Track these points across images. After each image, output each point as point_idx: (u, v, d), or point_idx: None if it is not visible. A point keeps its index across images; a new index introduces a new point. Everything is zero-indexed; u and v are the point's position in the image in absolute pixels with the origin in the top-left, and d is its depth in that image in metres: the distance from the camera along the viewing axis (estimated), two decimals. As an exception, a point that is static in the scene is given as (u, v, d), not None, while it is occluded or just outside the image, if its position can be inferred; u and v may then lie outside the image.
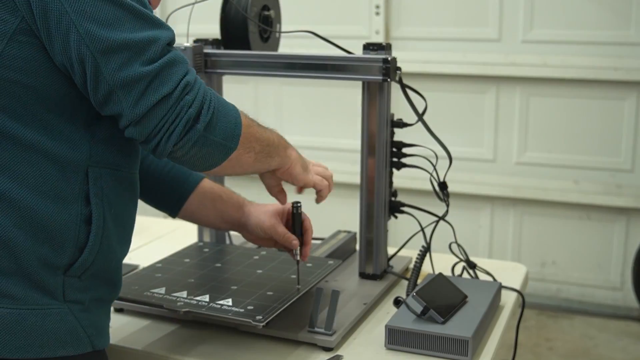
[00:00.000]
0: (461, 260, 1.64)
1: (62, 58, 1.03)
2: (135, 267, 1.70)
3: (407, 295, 1.50)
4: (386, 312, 1.51)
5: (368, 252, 1.63)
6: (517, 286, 1.64)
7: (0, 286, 1.02)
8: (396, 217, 1.66)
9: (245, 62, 1.64)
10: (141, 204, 1.35)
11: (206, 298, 1.40)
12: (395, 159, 1.62)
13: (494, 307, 1.50)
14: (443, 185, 1.61)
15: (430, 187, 1.63)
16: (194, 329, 1.43)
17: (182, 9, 1.64)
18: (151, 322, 1.46)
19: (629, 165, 3.52)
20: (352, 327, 1.43)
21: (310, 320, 1.36)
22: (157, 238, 1.97)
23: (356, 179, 1.65)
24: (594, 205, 3.59)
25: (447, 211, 1.60)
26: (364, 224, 1.62)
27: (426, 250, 1.59)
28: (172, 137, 1.07)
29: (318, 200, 1.49)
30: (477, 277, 1.63)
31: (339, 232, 1.87)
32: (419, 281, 1.56)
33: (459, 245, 1.63)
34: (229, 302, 1.38)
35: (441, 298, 1.39)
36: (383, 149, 1.57)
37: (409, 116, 1.58)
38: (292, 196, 1.50)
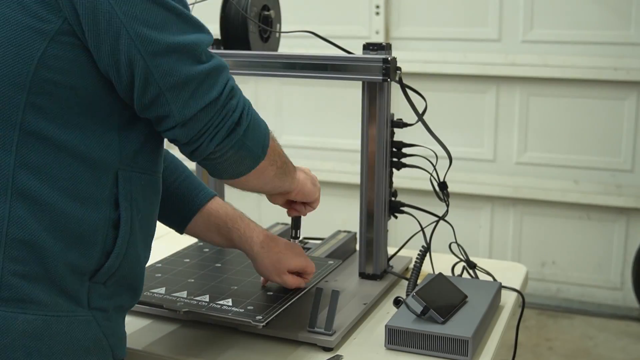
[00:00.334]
0: (461, 260, 1.64)
1: (109, 60, 1.03)
2: (135, 267, 1.70)
3: (407, 295, 1.50)
4: (386, 312, 1.51)
5: (368, 252, 1.63)
6: (517, 286, 1.64)
7: (27, 292, 1.00)
8: (396, 217, 1.66)
9: (245, 62, 1.63)
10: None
11: (206, 298, 1.40)
12: (395, 159, 1.62)
13: (494, 307, 1.50)
14: (443, 185, 1.61)
15: (430, 187, 1.63)
16: (194, 329, 1.43)
17: (182, 9, 1.64)
18: (151, 322, 1.46)
19: (629, 165, 3.52)
20: (352, 327, 1.43)
21: (310, 320, 1.36)
22: (157, 238, 1.95)
23: (356, 179, 1.65)
24: (594, 205, 3.59)
25: (447, 211, 1.60)
26: (364, 224, 1.62)
27: (426, 250, 1.59)
28: (216, 138, 1.10)
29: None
30: (477, 277, 1.63)
31: (339, 232, 1.87)
32: (419, 281, 1.55)
33: (459, 245, 1.63)
34: (229, 302, 1.38)
35: (441, 298, 1.39)
36: (383, 149, 1.57)
37: (409, 116, 1.58)
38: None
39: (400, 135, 1.59)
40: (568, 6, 3.47)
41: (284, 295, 1.40)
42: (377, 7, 3.76)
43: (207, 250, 1.69)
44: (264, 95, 4.06)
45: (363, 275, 1.64)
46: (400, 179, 1.89)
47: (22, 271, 1.00)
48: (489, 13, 3.61)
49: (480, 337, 1.38)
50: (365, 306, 1.49)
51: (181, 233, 1.48)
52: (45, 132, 1.01)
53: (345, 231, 1.87)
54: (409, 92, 1.55)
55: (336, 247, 1.75)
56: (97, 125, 1.06)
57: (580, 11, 3.46)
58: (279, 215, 1.74)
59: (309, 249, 1.77)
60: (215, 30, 1.65)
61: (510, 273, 1.71)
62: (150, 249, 1.21)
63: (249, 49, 1.66)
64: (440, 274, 1.51)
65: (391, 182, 1.63)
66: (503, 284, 1.57)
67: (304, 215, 1.52)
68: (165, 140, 1.17)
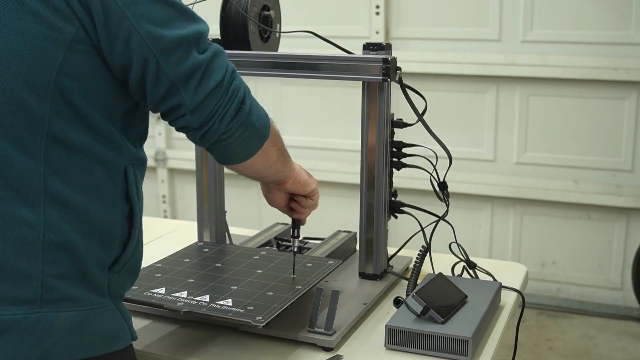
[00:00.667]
0: (461, 260, 1.64)
1: (121, 61, 1.07)
2: (135, 267, 1.70)
3: (407, 295, 1.50)
4: (386, 312, 1.51)
5: (368, 252, 1.63)
6: (517, 286, 1.64)
7: (65, 291, 1.05)
8: (396, 217, 1.66)
9: (245, 62, 1.63)
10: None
11: (206, 298, 1.40)
12: (395, 159, 1.62)
13: (494, 307, 1.50)
14: (443, 185, 1.61)
15: (430, 187, 1.63)
16: (194, 329, 1.43)
17: (182, 9, 1.64)
18: (151, 322, 1.46)
19: (629, 165, 3.52)
20: (352, 327, 1.43)
21: (310, 320, 1.36)
22: (157, 238, 1.97)
23: (356, 179, 1.65)
24: (594, 205, 3.59)
25: (447, 211, 1.60)
26: (364, 224, 1.62)
27: (426, 250, 1.59)
28: (225, 118, 1.15)
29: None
30: (477, 277, 1.63)
31: (339, 232, 1.87)
32: (419, 281, 1.55)
33: (459, 245, 1.63)
34: (229, 302, 1.38)
35: (441, 298, 1.39)
36: (383, 149, 1.57)
37: (409, 116, 1.58)
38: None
39: (400, 135, 1.59)
40: (568, 6, 3.47)
41: (284, 295, 1.40)
42: (377, 7, 3.76)
43: (207, 250, 1.69)
44: (264, 95, 4.06)
45: (363, 275, 1.64)
46: (400, 179, 1.89)
47: (59, 272, 1.05)
48: (489, 13, 3.61)
49: (480, 337, 1.38)
50: (365, 306, 1.49)
51: None
52: (69, 138, 1.06)
53: (345, 231, 1.87)
54: (409, 92, 1.55)
55: (336, 247, 1.75)
56: (109, 126, 1.11)
57: (580, 11, 3.46)
58: (279, 215, 1.74)
59: (309, 249, 1.77)
60: (215, 30, 1.65)
61: (510, 273, 1.71)
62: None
63: (249, 49, 1.66)
64: (440, 274, 1.51)
65: (391, 182, 1.63)
66: (503, 284, 1.57)
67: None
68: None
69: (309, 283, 1.47)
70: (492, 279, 1.61)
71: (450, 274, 1.62)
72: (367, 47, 1.54)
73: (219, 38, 1.69)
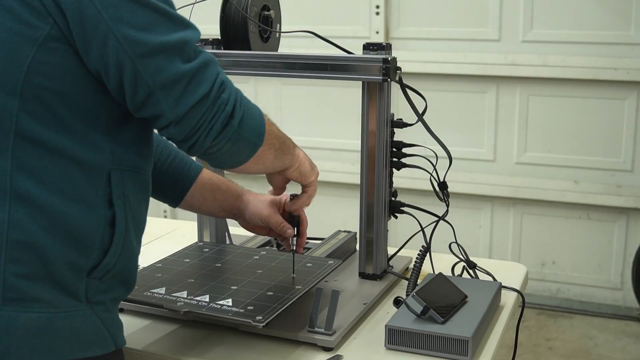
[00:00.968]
0: (461, 260, 1.64)
1: (97, 64, 1.04)
2: (135, 267, 1.70)
3: (407, 295, 1.50)
4: (386, 312, 1.51)
5: (368, 252, 1.63)
6: (517, 286, 1.64)
7: (30, 291, 1.03)
8: (396, 217, 1.66)
9: (245, 62, 1.63)
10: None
11: (206, 298, 1.40)
12: (395, 159, 1.61)
13: (494, 307, 1.50)
14: (443, 185, 1.61)
15: (430, 187, 1.63)
16: (194, 329, 1.43)
17: (182, 9, 1.64)
18: (151, 322, 1.46)
19: (629, 165, 3.52)
20: (352, 327, 1.43)
21: (310, 320, 1.36)
22: (157, 238, 1.97)
23: (356, 179, 1.65)
24: (594, 205, 3.59)
25: (447, 211, 1.60)
26: (364, 224, 1.62)
27: (426, 250, 1.59)
28: (211, 134, 1.11)
29: (301, 206, 1.54)
30: (477, 277, 1.63)
31: (339, 232, 1.87)
32: (419, 281, 1.55)
33: (459, 245, 1.63)
34: (229, 302, 1.38)
35: (441, 298, 1.39)
36: (383, 149, 1.57)
37: (409, 116, 1.58)
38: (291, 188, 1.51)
39: (400, 135, 1.59)
40: (568, 6, 3.47)
41: (284, 295, 1.40)
42: (377, 7, 3.76)
43: (207, 250, 1.69)
44: (264, 95, 4.06)
45: (363, 275, 1.64)
46: (400, 179, 1.89)
47: (24, 272, 1.02)
48: (489, 13, 3.61)
49: (480, 337, 1.38)
50: (365, 306, 1.49)
51: (175, 207, 1.54)
52: (39, 136, 1.03)
53: (345, 231, 1.87)
54: (409, 92, 1.55)
55: (336, 247, 1.75)
56: (88, 128, 1.07)
57: (580, 11, 3.46)
58: (279, 215, 1.74)
59: (309, 249, 1.77)
60: (215, 30, 1.65)
61: (510, 273, 1.71)
62: (141, 243, 1.24)
63: (249, 49, 1.66)
64: (440, 274, 1.51)
65: (391, 182, 1.63)
66: (503, 284, 1.57)
67: (303, 206, 1.55)
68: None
69: (309, 283, 1.47)
70: (492, 279, 1.61)
71: (450, 274, 1.62)
72: (367, 47, 1.54)
73: (219, 38, 1.69)
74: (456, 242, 1.63)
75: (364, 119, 1.57)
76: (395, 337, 1.34)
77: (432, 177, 1.61)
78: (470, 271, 1.64)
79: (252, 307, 1.35)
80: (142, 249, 1.88)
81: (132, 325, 1.45)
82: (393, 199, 1.64)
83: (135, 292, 1.42)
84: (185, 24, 1.11)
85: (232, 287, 1.45)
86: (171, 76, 1.06)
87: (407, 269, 1.72)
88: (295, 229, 1.56)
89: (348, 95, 3.73)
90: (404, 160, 1.62)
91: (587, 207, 3.61)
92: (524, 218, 3.75)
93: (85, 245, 1.08)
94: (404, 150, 1.61)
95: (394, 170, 1.62)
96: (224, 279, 1.50)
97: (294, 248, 1.55)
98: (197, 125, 1.10)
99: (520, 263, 1.85)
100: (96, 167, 1.09)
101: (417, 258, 1.58)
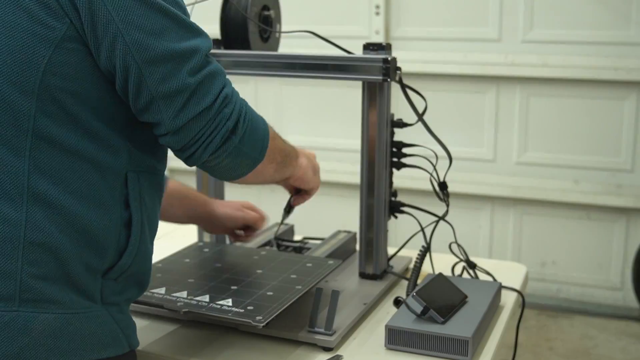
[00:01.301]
0: (461, 260, 1.64)
1: (107, 64, 1.04)
2: (135, 267, 1.71)
3: (407, 295, 1.50)
4: (386, 312, 1.51)
5: (368, 252, 1.63)
6: (517, 286, 1.64)
7: (46, 292, 1.03)
8: (396, 217, 1.66)
9: (245, 62, 1.64)
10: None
11: (206, 298, 1.40)
12: (395, 159, 1.62)
13: (494, 307, 1.50)
14: (443, 185, 1.61)
15: (430, 187, 1.63)
16: (194, 329, 1.43)
17: (182, 9, 1.64)
18: (151, 322, 1.46)
19: (629, 165, 3.52)
20: (352, 327, 1.43)
21: (310, 320, 1.36)
22: (157, 238, 1.95)
23: (356, 179, 1.65)
24: (594, 205, 3.59)
25: (447, 211, 1.60)
26: (364, 224, 1.62)
27: (426, 250, 1.59)
28: (209, 148, 1.10)
29: (302, 202, 1.62)
30: (477, 277, 1.63)
31: (339, 232, 1.87)
32: (419, 281, 1.56)
33: (459, 245, 1.63)
34: (229, 302, 1.38)
35: (441, 298, 1.39)
36: (383, 149, 1.57)
37: (409, 116, 1.58)
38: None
39: (400, 135, 1.59)
40: (568, 6, 3.47)
41: (284, 295, 1.40)
42: (377, 7, 3.76)
43: (207, 250, 1.69)
44: (264, 95, 4.06)
45: (363, 275, 1.64)
46: (400, 179, 1.89)
47: (41, 273, 1.02)
48: (489, 13, 3.61)
49: (480, 337, 1.38)
50: (365, 306, 1.49)
51: None
52: (56, 137, 1.03)
53: (345, 231, 1.87)
54: (409, 92, 1.55)
55: (336, 247, 1.75)
56: (105, 129, 1.07)
57: (580, 11, 3.46)
58: (279, 216, 1.75)
59: (309, 249, 1.77)
60: (215, 30, 1.65)
61: (510, 273, 1.72)
62: (154, 244, 1.24)
63: (249, 49, 1.66)
64: (440, 274, 1.51)
65: (391, 182, 1.63)
66: (503, 284, 1.57)
67: (303, 202, 1.64)
68: None
69: (309, 283, 1.47)
70: (492, 279, 1.61)
71: (450, 274, 1.62)
72: (367, 47, 1.54)
73: (219, 38, 1.69)
74: (456, 242, 1.63)
75: (364, 119, 1.57)
76: (395, 337, 1.34)
77: (432, 177, 1.61)
78: (470, 271, 1.64)
79: (252, 307, 1.35)
80: (142, 249, 1.89)
81: (132, 325, 1.45)
82: (393, 199, 1.64)
83: (135, 292, 1.42)
84: (197, 32, 1.09)
85: (232, 287, 1.45)
86: (175, 86, 1.05)
87: (407, 269, 1.73)
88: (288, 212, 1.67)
89: (348, 95, 3.73)
90: (404, 160, 1.62)
91: (587, 207, 3.61)
92: (524, 218, 3.75)
93: (101, 246, 1.08)
94: (404, 150, 1.62)
95: (394, 170, 1.63)
96: (224, 279, 1.50)
97: (283, 220, 1.66)
98: (196, 137, 1.09)
99: (520, 263, 1.85)
100: (113, 169, 1.09)
101: (417, 258, 1.58)
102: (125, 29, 1.02)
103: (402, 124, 1.60)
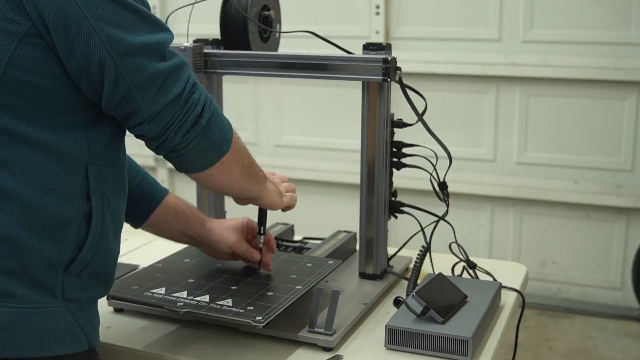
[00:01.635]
0: (461, 260, 1.64)
1: (79, 63, 1.06)
2: (135, 267, 1.70)
3: (407, 295, 1.50)
4: (386, 312, 1.51)
5: (368, 252, 1.63)
6: (517, 286, 1.64)
7: (3, 286, 1.03)
8: (396, 217, 1.66)
9: (245, 62, 1.64)
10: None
11: (206, 298, 1.40)
12: (395, 159, 1.62)
13: (494, 307, 1.50)
14: (443, 185, 1.61)
15: (430, 187, 1.63)
16: (194, 329, 1.43)
17: (182, 9, 1.64)
18: (151, 322, 1.46)
19: (629, 165, 3.52)
20: (352, 327, 1.43)
21: (310, 320, 1.36)
22: (157, 238, 1.96)
23: (356, 179, 1.65)
24: (594, 205, 3.59)
25: (447, 211, 1.60)
26: (364, 224, 1.62)
27: (426, 250, 1.59)
28: (180, 131, 1.14)
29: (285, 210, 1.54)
30: (477, 277, 1.63)
31: (339, 232, 1.87)
32: (419, 281, 1.55)
33: (459, 245, 1.63)
34: (229, 302, 1.38)
35: (441, 298, 1.39)
36: (383, 149, 1.57)
37: (409, 116, 1.58)
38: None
39: (400, 135, 1.59)
40: (568, 6, 3.47)
41: (284, 295, 1.40)
42: (377, 7, 3.76)
43: (207, 250, 1.69)
44: (264, 95, 4.06)
45: (363, 275, 1.64)
46: (400, 179, 1.89)
47: None
48: (489, 13, 3.61)
49: (480, 337, 1.38)
50: (365, 306, 1.49)
51: (137, 227, 1.55)
52: (15, 129, 1.04)
53: (345, 231, 1.87)
54: (409, 92, 1.55)
55: (336, 247, 1.75)
56: (64, 122, 1.09)
57: (580, 11, 3.46)
58: (279, 216, 1.74)
59: (309, 249, 1.77)
60: (215, 30, 1.65)
61: (510, 273, 1.71)
62: (120, 242, 1.24)
63: (249, 49, 1.66)
64: (440, 274, 1.51)
65: (391, 182, 1.63)
66: (503, 284, 1.57)
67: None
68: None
69: (309, 283, 1.47)
70: (492, 279, 1.61)
71: (450, 274, 1.62)
72: (367, 47, 1.54)
73: (219, 38, 1.69)
74: (456, 242, 1.63)
75: (364, 119, 1.57)
76: (395, 337, 1.34)
77: (432, 177, 1.61)
78: (470, 271, 1.64)
79: (252, 307, 1.35)
80: (142, 249, 1.89)
81: (132, 325, 1.45)
82: (393, 199, 1.64)
83: (135, 292, 1.42)
84: (162, 27, 1.15)
85: (232, 287, 1.45)
86: (149, 75, 1.09)
87: (407, 269, 1.73)
88: (262, 227, 1.55)
89: (348, 95, 3.72)
90: (404, 160, 1.62)
91: (587, 207, 3.61)
92: (524, 218, 3.75)
93: (60, 238, 1.09)
94: (404, 150, 1.62)
95: (394, 170, 1.62)
96: (224, 279, 1.50)
97: (261, 246, 1.55)
98: (169, 122, 1.13)
99: (520, 263, 1.85)
100: (73, 161, 1.10)
101: (417, 258, 1.58)
102: (98, 25, 1.05)
103: (402, 124, 1.60)
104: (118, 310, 1.51)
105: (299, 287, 1.45)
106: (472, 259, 1.65)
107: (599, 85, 3.48)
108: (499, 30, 3.61)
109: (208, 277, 1.51)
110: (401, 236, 1.75)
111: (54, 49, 1.05)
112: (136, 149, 1.61)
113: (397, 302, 1.41)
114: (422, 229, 1.62)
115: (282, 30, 1.78)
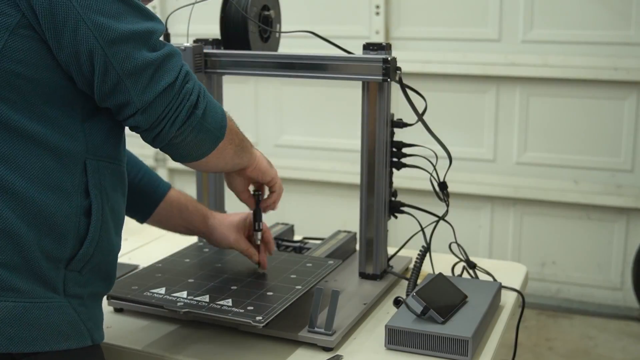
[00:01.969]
0: (461, 260, 1.65)
1: (69, 51, 1.06)
2: (135, 267, 1.71)
3: (407, 295, 1.50)
4: (386, 312, 1.51)
5: (368, 252, 1.63)
6: (517, 286, 1.64)
7: (5, 279, 1.03)
8: (396, 217, 1.66)
9: (245, 62, 1.64)
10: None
11: (206, 298, 1.40)
12: (395, 159, 1.62)
13: (494, 307, 1.50)
14: (443, 185, 1.61)
15: (430, 187, 1.63)
16: (194, 329, 1.43)
17: (182, 9, 1.64)
18: (151, 322, 1.46)
19: (629, 165, 3.52)
20: (352, 327, 1.43)
21: (310, 320, 1.36)
22: (157, 238, 1.97)
23: (356, 179, 1.65)
24: (594, 205, 3.59)
25: (447, 211, 1.60)
26: (364, 224, 1.62)
27: (426, 250, 1.59)
28: (176, 122, 1.14)
29: (275, 203, 1.55)
30: (477, 277, 1.63)
31: (339, 232, 1.87)
32: (419, 281, 1.56)
33: (459, 245, 1.63)
34: (229, 302, 1.38)
35: (441, 298, 1.39)
36: (383, 149, 1.58)
37: (409, 116, 1.58)
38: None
39: (400, 135, 1.59)
40: (568, 6, 3.47)
41: (284, 295, 1.40)
42: (377, 7, 3.76)
43: (207, 250, 1.69)
44: (264, 95, 4.06)
45: (363, 275, 1.64)
46: (400, 179, 1.89)
47: (0, 260, 1.03)
48: (489, 13, 3.61)
49: (480, 337, 1.38)
50: (365, 306, 1.49)
51: (142, 222, 1.57)
52: (13, 122, 1.04)
53: (345, 231, 1.87)
54: (409, 92, 1.55)
55: (336, 247, 1.75)
56: (61, 116, 1.09)
57: (580, 11, 3.46)
58: (279, 216, 1.74)
59: (309, 249, 1.77)
60: (215, 30, 1.65)
61: (510, 273, 1.72)
62: (121, 238, 1.24)
63: (249, 49, 1.66)
64: (440, 274, 1.51)
65: (391, 182, 1.63)
66: (503, 284, 1.57)
67: (268, 207, 1.56)
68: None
69: (309, 283, 1.47)
70: (492, 279, 1.61)
71: (450, 274, 1.62)
72: (367, 47, 1.54)
73: (219, 38, 1.69)
74: (456, 242, 1.63)
75: (364, 119, 1.57)
76: (395, 337, 1.34)
77: (432, 177, 1.61)
78: (470, 271, 1.64)
79: (252, 307, 1.35)
80: (142, 249, 1.90)
81: (132, 325, 1.45)
82: (393, 199, 1.64)
83: (135, 292, 1.42)
84: (151, 16, 1.14)
85: (232, 287, 1.45)
86: (139, 64, 1.09)
87: (407, 269, 1.73)
88: (258, 224, 1.56)
89: (348, 95, 3.72)
90: (404, 160, 1.62)
91: (587, 207, 3.61)
92: (524, 218, 3.75)
93: (60, 233, 1.09)
94: (404, 150, 1.62)
95: (394, 170, 1.63)
96: (224, 279, 1.50)
97: (258, 242, 1.56)
98: (164, 113, 1.12)
99: (520, 263, 1.85)
100: (71, 156, 1.10)
101: (417, 258, 1.58)
102: (85, 13, 1.05)
103: (402, 124, 1.60)
104: (118, 310, 1.51)
105: (299, 287, 1.45)
106: (472, 259, 1.65)
107: (599, 85, 3.48)
108: (498, 30, 3.61)
109: (208, 277, 1.51)
110: (401, 236, 1.75)
111: (45, 39, 1.05)
112: (136, 149, 1.62)
113: (397, 302, 1.41)
114: (422, 229, 1.62)
115: (282, 30, 1.78)
